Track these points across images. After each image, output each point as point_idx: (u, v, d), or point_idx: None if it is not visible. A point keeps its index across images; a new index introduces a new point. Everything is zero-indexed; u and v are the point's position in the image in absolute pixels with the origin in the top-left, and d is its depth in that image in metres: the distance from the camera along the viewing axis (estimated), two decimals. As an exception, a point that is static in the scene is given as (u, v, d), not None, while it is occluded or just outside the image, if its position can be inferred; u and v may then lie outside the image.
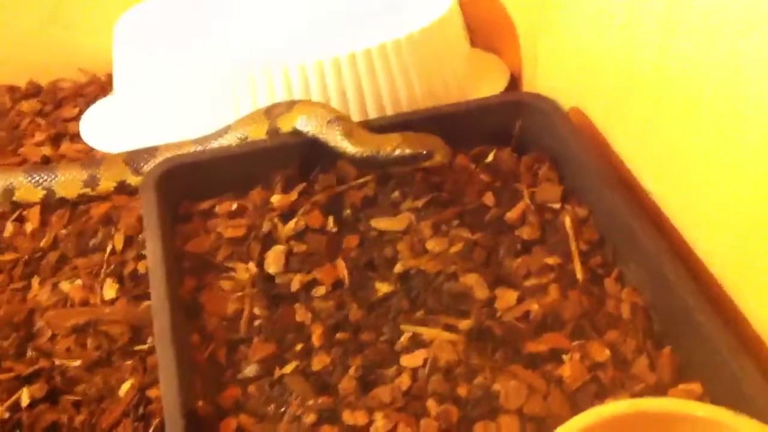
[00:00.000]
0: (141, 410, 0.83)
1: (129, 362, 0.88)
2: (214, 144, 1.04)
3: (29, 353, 0.90)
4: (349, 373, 0.82)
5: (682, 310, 0.79)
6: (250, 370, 0.83)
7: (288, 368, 0.83)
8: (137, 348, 0.90)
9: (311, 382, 0.82)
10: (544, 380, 0.80)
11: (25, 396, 0.85)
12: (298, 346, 0.84)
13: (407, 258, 0.92)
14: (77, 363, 0.89)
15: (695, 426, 0.66)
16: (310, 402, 0.79)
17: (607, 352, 0.81)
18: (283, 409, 0.79)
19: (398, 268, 0.91)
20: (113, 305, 0.94)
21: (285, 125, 1.02)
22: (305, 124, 1.00)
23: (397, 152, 0.94)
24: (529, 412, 0.78)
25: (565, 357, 0.82)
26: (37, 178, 1.07)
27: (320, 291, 0.90)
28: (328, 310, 0.88)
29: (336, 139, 0.98)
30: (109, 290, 0.96)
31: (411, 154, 0.93)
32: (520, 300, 0.87)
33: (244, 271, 0.92)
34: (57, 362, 0.89)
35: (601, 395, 0.79)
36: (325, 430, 0.77)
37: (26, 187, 1.07)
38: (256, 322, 0.87)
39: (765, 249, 0.76)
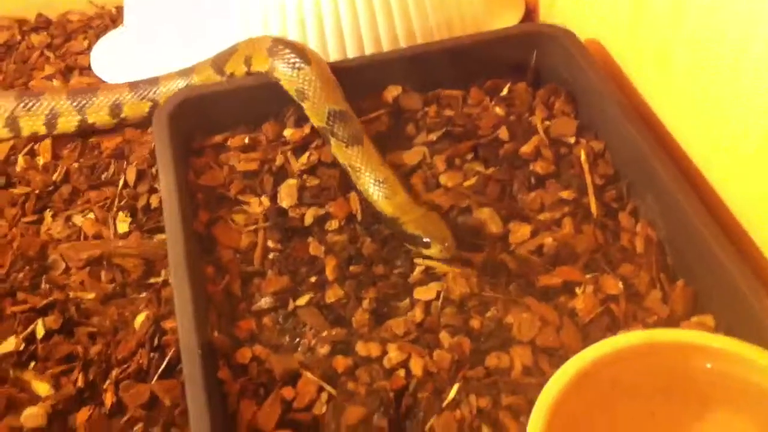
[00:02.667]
0: (156, 341, 0.83)
1: (143, 295, 0.89)
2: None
3: (43, 286, 0.91)
4: (362, 305, 0.82)
5: (698, 243, 0.79)
6: (264, 302, 0.83)
7: (302, 300, 0.83)
8: (151, 281, 0.90)
9: (325, 314, 0.82)
10: (557, 312, 0.80)
11: (40, 327, 0.86)
12: (312, 279, 0.85)
13: (421, 192, 0.92)
14: (91, 296, 0.89)
15: (709, 357, 0.66)
16: (324, 333, 0.80)
17: (620, 285, 0.81)
18: (297, 341, 0.80)
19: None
20: (126, 238, 0.94)
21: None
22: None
23: (402, 226, 0.84)
24: (541, 343, 0.78)
25: (578, 290, 0.82)
26: (142, 91, 1.05)
27: (333, 225, 0.90)
28: (342, 243, 0.88)
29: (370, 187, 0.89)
30: (122, 224, 0.96)
31: (410, 234, 0.83)
32: (533, 234, 0.87)
33: (257, 204, 0.92)
34: (71, 295, 0.89)
35: (613, 328, 0.79)
36: (338, 361, 0.78)
37: (132, 102, 1.05)
38: (270, 255, 0.87)
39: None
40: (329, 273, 0.85)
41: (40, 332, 0.85)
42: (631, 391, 0.68)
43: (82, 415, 0.80)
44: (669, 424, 0.68)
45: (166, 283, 0.89)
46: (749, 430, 0.63)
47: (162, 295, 0.88)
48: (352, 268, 0.85)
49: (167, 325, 0.85)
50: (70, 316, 0.87)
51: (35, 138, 1.07)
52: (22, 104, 1.05)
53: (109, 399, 0.80)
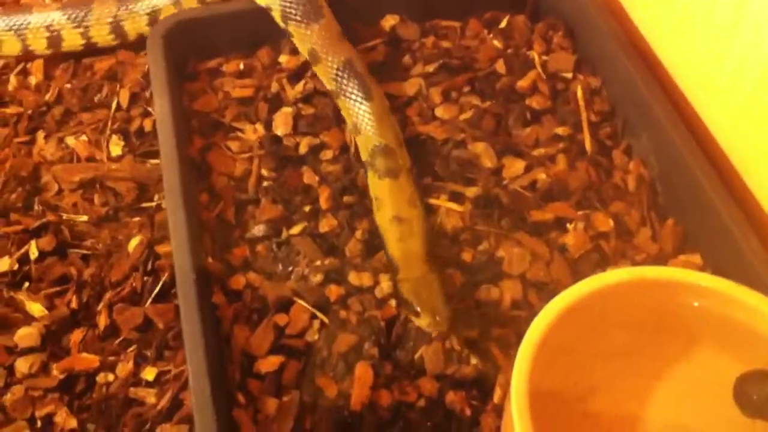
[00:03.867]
0: (150, 265, 0.84)
1: (136, 219, 0.89)
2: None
3: (36, 207, 0.90)
4: (355, 236, 0.83)
5: (689, 182, 0.80)
6: (258, 230, 0.84)
7: (295, 229, 0.83)
8: (144, 205, 0.90)
9: (318, 243, 0.83)
10: (548, 248, 0.81)
11: (33, 248, 0.86)
12: (306, 208, 0.85)
13: (416, 124, 0.92)
14: (84, 218, 0.90)
15: (697, 295, 0.67)
16: (317, 262, 0.81)
17: (611, 222, 0.82)
18: (290, 269, 0.81)
19: (407, 133, 0.90)
20: (120, 162, 0.94)
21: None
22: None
23: (397, 284, 0.77)
24: (532, 277, 0.79)
25: (569, 226, 0.83)
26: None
27: (328, 154, 0.90)
28: (336, 173, 0.88)
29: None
30: (115, 147, 0.95)
31: (405, 300, 0.75)
32: (527, 169, 0.87)
33: (252, 132, 0.92)
34: (64, 217, 0.90)
35: (602, 264, 0.80)
36: (331, 289, 0.79)
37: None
38: (264, 183, 0.87)
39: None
40: (323, 202, 0.85)
41: (34, 253, 0.86)
42: (619, 327, 0.69)
43: (76, 336, 0.81)
44: (655, 360, 0.69)
45: (159, 207, 0.90)
46: (733, 368, 0.64)
47: (155, 220, 0.88)
48: (345, 198, 0.86)
49: (161, 249, 0.85)
50: (63, 238, 0.87)
51: (27, 57, 1.05)
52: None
53: (102, 321, 0.81)
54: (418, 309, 0.74)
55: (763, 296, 0.66)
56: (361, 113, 0.87)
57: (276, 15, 0.94)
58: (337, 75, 0.89)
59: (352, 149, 0.89)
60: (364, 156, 0.86)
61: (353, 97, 0.88)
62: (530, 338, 0.64)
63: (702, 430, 0.67)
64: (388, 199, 0.82)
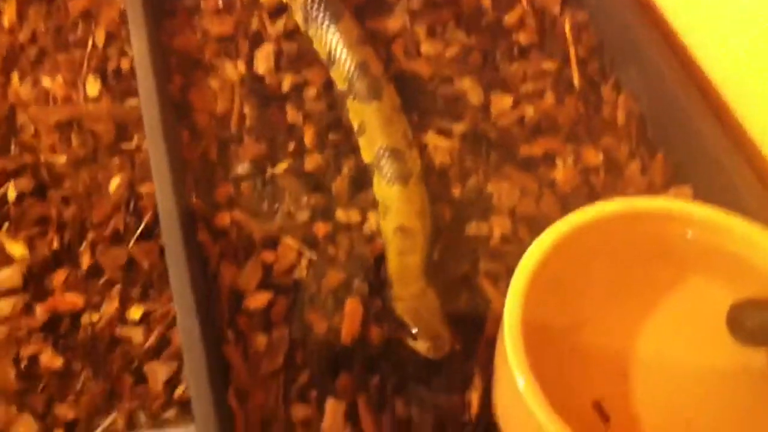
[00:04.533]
0: (132, 205, 0.83)
1: (116, 160, 0.87)
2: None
3: (13, 149, 0.88)
4: (341, 173, 0.82)
5: (679, 114, 0.79)
6: (242, 168, 0.82)
7: (280, 167, 0.82)
8: (124, 146, 0.88)
9: (304, 181, 0.81)
10: (537, 182, 0.80)
11: (12, 189, 0.84)
12: (290, 146, 0.84)
13: (401, 61, 0.90)
14: (62, 159, 0.87)
15: (689, 225, 0.67)
16: (304, 200, 0.80)
17: (600, 156, 0.82)
18: (276, 207, 0.80)
19: (392, 70, 0.88)
20: (97, 102, 0.92)
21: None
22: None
23: (391, 302, 0.71)
24: (521, 212, 0.79)
25: (558, 161, 0.82)
26: None
27: (311, 92, 0.88)
28: (320, 111, 0.86)
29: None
30: (92, 87, 0.93)
31: (399, 320, 0.69)
32: (515, 104, 0.86)
33: (233, 69, 0.90)
34: (42, 158, 0.87)
35: (592, 198, 0.79)
36: (319, 226, 0.78)
37: None
38: (247, 122, 0.86)
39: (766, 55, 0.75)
40: (308, 140, 0.84)
41: (12, 195, 0.84)
42: (610, 259, 0.68)
43: (59, 276, 0.79)
44: (646, 292, 0.69)
45: (139, 148, 0.88)
46: (725, 298, 0.64)
47: (136, 160, 0.86)
48: (331, 135, 0.84)
49: (142, 189, 0.84)
50: (41, 179, 0.85)
51: (-2, -3, 1.02)
52: None
53: (85, 261, 0.80)
54: (415, 331, 0.68)
55: (756, 226, 0.66)
56: (368, 112, 0.82)
57: (299, 20, 0.91)
58: (349, 74, 0.85)
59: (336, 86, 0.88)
60: (368, 158, 0.81)
61: (362, 95, 0.83)
62: (522, 270, 0.64)
63: (692, 362, 0.67)
64: (394, 206, 0.76)
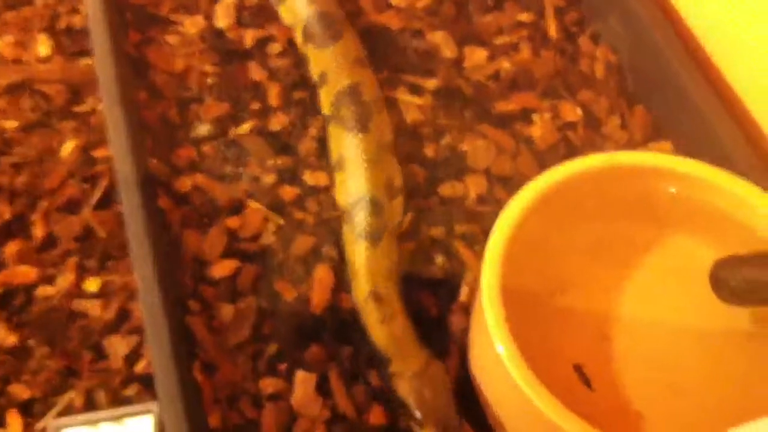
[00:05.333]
0: (87, 171, 0.78)
1: (69, 124, 0.82)
2: None
3: (-40, 114, 0.83)
4: (309, 133, 0.78)
5: (661, 67, 0.76)
6: (203, 129, 0.78)
7: (244, 128, 0.78)
8: (77, 109, 0.83)
9: (269, 142, 0.77)
10: (514, 140, 0.77)
11: (-41, 156, 0.80)
12: (254, 106, 0.79)
13: (370, 13, 0.86)
14: (13, 124, 0.83)
15: (673, 181, 0.65)
16: (270, 162, 0.76)
17: (579, 111, 0.79)
18: (240, 170, 0.76)
19: (361, 23, 0.84)
20: (49, 63, 0.87)
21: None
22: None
23: (390, 378, 0.63)
24: (497, 171, 0.76)
25: (535, 117, 0.79)
26: None
27: (275, 48, 0.84)
28: (285, 68, 0.82)
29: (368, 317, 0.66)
30: (43, 47, 0.88)
31: (401, 401, 0.61)
32: (490, 58, 0.82)
33: (192, 25, 0.85)
34: (-8, 123, 0.83)
35: (571, 155, 0.75)
36: (286, 190, 0.74)
37: None
38: (208, 80, 0.81)
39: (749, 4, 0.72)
40: (273, 99, 0.80)
41: (-40, 161, 0.79)
42: (591, 217, 0.66)
43: (11, 248, 0.75)
44: (628, 250, 0.67)
45: (93, 111, 0.83)
46: (709, 255, 0.61)
47: (90, 123, 0.82)
48: (297, 94, 0.80)
49: (98, 154, 0.79)
50: (-10, 145, 0.81)
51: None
52: None
53: (39, 231, 0.75)
54: (419, 416, 0.60)
55: (742, 181, 0.63)
56: (351, 146, 0.73)
57: (298, 34, 0.83)
58: (336, 98, 0.76)
59: (302, 40, 0.83)
60: (342, 203, 0.71)
61: (346, 125, 0.73)
62: (499, 232, 0.61)
63: (676, 322, 0.65)
64: (362, 270, 0.67)
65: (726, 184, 0.63)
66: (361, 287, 0.67)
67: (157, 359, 0.62)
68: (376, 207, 0.69)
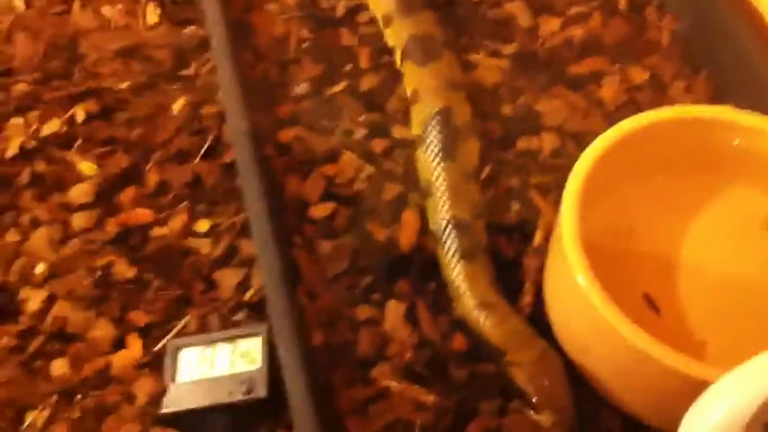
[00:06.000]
0: (195, 126, 0.86)
1: (176, 86, 0.91)
2: None
3: (76, 75, 0.92)
4: (396, 93, 0.85)
5: (724, 35, 0.82)
6: (301, 88, 0.86)
7: (338, 87, 0.86)
8: (183, 73, 0.92)
9: (360, 100, 0.85)
10: (585, 100, 0.83)
11: (80, 111, 0.88)
12: (347, 68, 0.87)
13: (446, -12, 0.92)
14: (125, 85, 0.91)
15: (736, 133, 0.70)
16: (361, 118, 0.83)
17: (646, 75, 0.85)
18: (335, 124, 0.83)
19: (442, -3, 0.91)
20: (156, 29, 0.95)
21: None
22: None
23: (507, 368, 0.65)
24: (569, 129, 0.82)
25: (604, 80, 0.85)
26: None
27: (364, 16, 0.91)
28: (373, 34, 0.89)
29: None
30: (152, 15, 0.96)
31: (518, 389, 0.64)
32: (562, 27, 0.89)
33: (290, -7, 0.93)
34: (105, 84, 0.91)
35: (638, 115, 0.82)
36: (375, 142, 0.82)
37: None
38: (304, 45, 0.89)
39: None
40: (363, 62, 0.87)
41: (80, 116, 0.88)
42: (658, 167, 0.71)
43: (128, 193, 0.83)
44: (693, 196, 0.72)
45: (197, 74, 0.91)
46: (764, 201, 0.67)
47: (196, 85, 0.90)
48: (384, 58, 0.87)
49: (205, 111, 0.87)
50: (106, 103, 0.89)
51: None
52: None
53: (152, 179, 0.84)
54: (536, 401, 0.63)
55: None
56: (437, 173, 0.75)
57: (397, 54, 0.86)
58: (426, 122, 0.78)
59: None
60: (433, 227, 0.74)
61: (433, 151, 0.76)
62: (576, 174, 0.67)
63: (736, 261, 0.70)
64: (465, 284, 0.70)
65: (788, 136, 0.69)
66: (467, 302, 0.69)
67: (267, 284, 0.69)
68: (464, 228, 0.72)
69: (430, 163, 0.76)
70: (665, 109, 0.71)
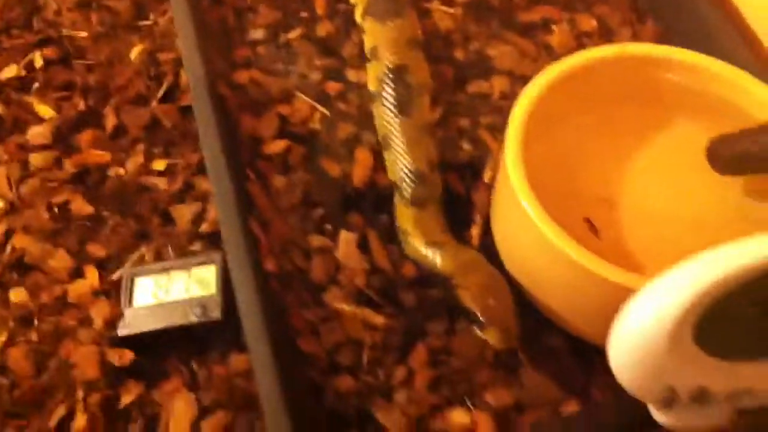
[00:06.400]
0: (152, 71, 0.87)
1: (134, 36, 0.92)
2: None
3: (36, 25, 0.93)
4: (352, 39, 0.87)
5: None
6: (257, 34, 0.87)
7: (294, 33, 0.87)
8: (141, 23, 0.93)
9: (316, 46, 0.86)
10: (535, 46, 0.86)
11: (38, 57, 0.89)
12: (303, 14, 0.89)
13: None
14: (84, 34, 0.92)
15: (674, 69, 0.72)
16: (316, 62, 0.85)
17: (594, 22, 0.87)
18: (290, 68, 0.85)
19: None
20: (115, -20, 0.96)
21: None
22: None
23: (454, 290, 0.68)
24: (519, 72, 0.84)
25: (554, 26, 0.87)
26: None
27: (321, -35, 0.92)
28: (330, -17, 0.91)
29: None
30: (110, -34, 0.97)
31: (466, 309, 0.67)
32: (514, -24, 0.91)
33: (246, -56, 0.94)
34: (64, 32, 0.92)
35: (586, 60, 0.85)
36: (331, 85, 0.83)
37: None
38: (261, -8, 0.90)
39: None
40: (319, 9, 0.89)
41: (39, 62, 0.89)
42: (604, 98, 0.73)
43: (86, 135, 0.84)
44: (636, 127, 0.75)
45: (156, 23, 0.92)
46: (706, 135, 0.69)
47: (155, 33, 0.91)
48: (340, 5, 0.89)
49: (162, 57, 0.88)
50: (65, 50, 0.90)
51: None
52: None
53: (110, 121, 0.85)
54: (483, 320, 0.66)
55: (740, 71, 0.71)
56: (393, 127, 0.78)
57: (358, 9, 0.87)
58: (383, 78, 0.80)
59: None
60: (392, 178, 0.77)
61: (390, 107, 0.78)
62: (522, 104, 0.69)
63: (675, 191, 0.73)
64: (416, 230, 0.72)
65: (726, 73, 0.71)
66: (417, 242, 0.71)
67: (222, 214, 0.71)
68: (420, 178, 0.75)
69: (387, 117, 0.78)
70: (611, 46, 0.73)
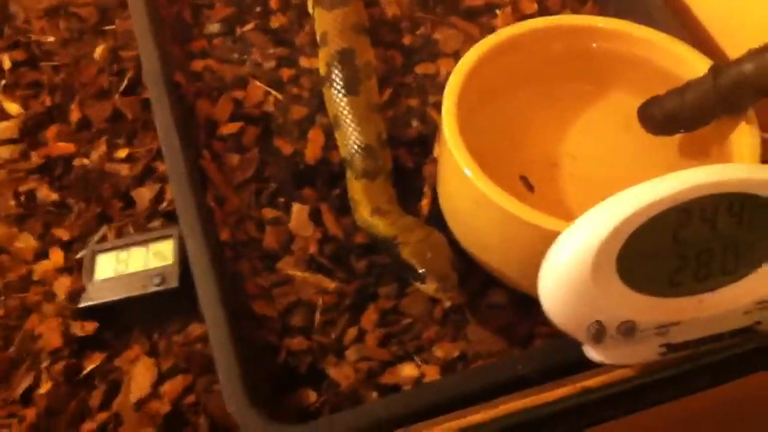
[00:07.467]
0: (115, 67, 0.91)
1: (99, 40, 0.96)
2: None
3: (6, 32, 0.97)
4: (304, 30, 0.91)
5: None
6: (213, 27, 0.91)
7: (248, 26, 0.91)
8: (106, 28, 0.97)
9: (270, 37, 0.90)
10: (479, 29, 0.90)
11: (6, 59, 0.93)
12: (257, 9, 0.93)
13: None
14: (52, 39, 0.96)
15: (603, 38, 0.75)
16: (270, 51, 0.89)
17: (535, 6, 0.91)
18: (245, 57, 0.89)
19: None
20: (81, -12, 1.00)
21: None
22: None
23: (396, 248, 0.70)
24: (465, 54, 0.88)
25: (498, 11, 0.91)
26: None
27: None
28: (283, -21, 0.95)
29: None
30: (76, -26, 1.01)
31: (403, 261, 0.69)
32: (459, -37, 0.95)
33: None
34: (33, 38, 0.96)
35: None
36: (284, 71, 0.87)
37: None
38: (217, -17, 0.95)
39: None
40: (273, 3, 0.93)
41: (7, 63, 0.93)
42: (539, 70, 0.77)
43: (52, 130, 0.88)
44: (572, 98, 0.78)
45: (119, 28, 0.96)
46: (638, 101, 0.72)
47: (117, 35, 0.95)
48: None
49: (124, 54, 0.92)
50: (33, 53, 0.94)
51: None
52: None
53: (75, 116, 0.88)
54: (422, 271, 0.67)
55: (671, 37, 0.74)
56: (343, 106, 0.82)
57: (310, 2, 0.91)
58: (331, 61, 0.84)
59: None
60: (344, 154, 0.80)
61: (338, 87, 0.82)
62: (455, 76, 0.72)
63: (611, 155, 0.76)
64: (365, 199, 0.75)
65: (656, 39, 0.74)
66: (364, 210, 0.75)
67: (176, 190, 0.74)
68: (370, 152, 0.79)
69: (337, 98, 0.82)
70: (543, 18, 0.77)
